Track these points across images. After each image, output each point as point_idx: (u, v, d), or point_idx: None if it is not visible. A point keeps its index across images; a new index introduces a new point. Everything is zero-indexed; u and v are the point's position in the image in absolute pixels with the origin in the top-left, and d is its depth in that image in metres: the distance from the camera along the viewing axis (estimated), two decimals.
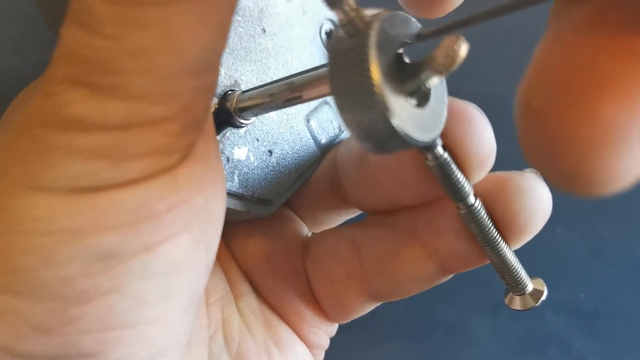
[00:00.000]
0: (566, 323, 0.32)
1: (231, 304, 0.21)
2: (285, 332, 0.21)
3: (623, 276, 0.33)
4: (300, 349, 0.21)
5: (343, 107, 0.12)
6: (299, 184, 0.22)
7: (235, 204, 0.19)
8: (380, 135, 0.12)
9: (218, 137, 0.18)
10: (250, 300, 0.21)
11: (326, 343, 0.22)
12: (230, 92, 0.18)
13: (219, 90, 0.18)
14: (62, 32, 0.11)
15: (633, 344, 0.31)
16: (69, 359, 0.13)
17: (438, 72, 0.12)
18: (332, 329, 0.22)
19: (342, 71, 0.12)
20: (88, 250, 0.12)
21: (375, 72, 0.11)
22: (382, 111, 0.11)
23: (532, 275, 0.17)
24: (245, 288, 0.22)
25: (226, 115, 0.18)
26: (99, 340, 0.13)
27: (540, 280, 0.17)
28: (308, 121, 0.21)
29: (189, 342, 0.16)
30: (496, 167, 0.16)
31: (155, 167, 0.12)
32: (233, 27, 0.19)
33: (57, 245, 0.12)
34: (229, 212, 0.19)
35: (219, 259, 0.22)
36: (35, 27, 0.30)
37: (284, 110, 0.20)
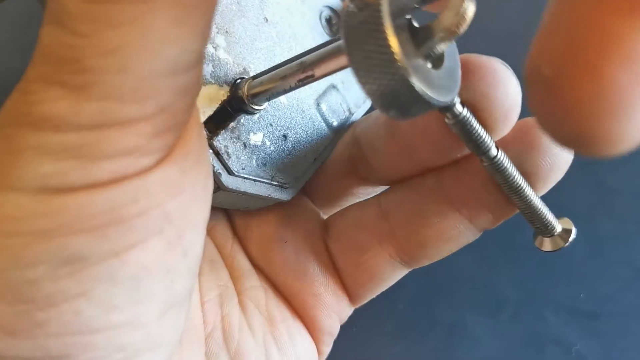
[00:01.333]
0: (566, 323, 0.32)
1: (232, 299, 0.21)
2: (286, 329, 0.21)
3: (623, 276, 0.33)
4: (301, 345, 0.21)
5: (365, 79, 0.12)
6: (316, 167, 0.22)
7: (257, 189, 0.19)
8: (404, 101, 0.12)
9: (233, 124, 0.18)
10: (255, 294, 0.21)
11: (336, 330, 0.22)
12: (240, 79, 0.18)
13: (229, 78, 0.18)
14: (40, 30, 0.11)
15: (633, 344, 0.31)
16: None
17: (449, 33, 0.12)
18: (346, 313, 0.22)
19: (359, 44, 0.12)
20: (56, 252, 0.12)
21: (394, 40, 0.11)
22: (405, 77, 0.11)
23: (559, 216, 0.18)
24: (251, 282, 0.21)
25: (239, 103, 0.18)
26: (67, 344, 0.12)
27: (568, 220, 0.18)
28: (318, 105, 0.22)
29: (177, 341, 0.16)
30: None
31: (126, 169, 0.12)
32: (236, 17, 0.19)
33: (24, 246, 0.11)
34: (249, 198, 0.19)
35: (223, 252, 0.22)
36: (35, 27, 0.30)
37: (293, 95, 0.21)
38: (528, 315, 0.31)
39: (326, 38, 0.23)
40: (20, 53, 0.30)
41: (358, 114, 0.23)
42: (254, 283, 0.22)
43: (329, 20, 0.23)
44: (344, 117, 0.23)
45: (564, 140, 0.09)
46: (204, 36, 0.11)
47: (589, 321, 0.32)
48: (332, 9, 0.23)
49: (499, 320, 0.31)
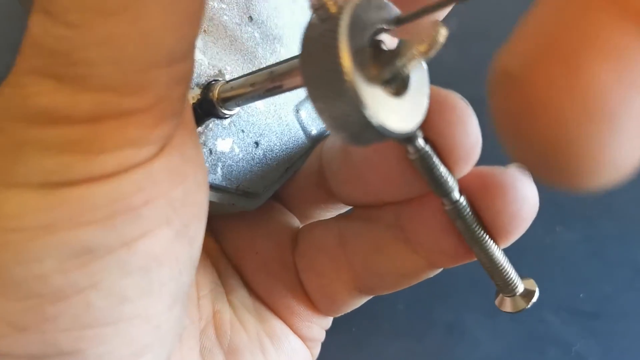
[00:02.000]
0: (566, 323, 0.32)
1: (222, 297, 0.21)
2: (278, 325, 0.21)
3: (623, 276, 0.33)
4: (294, 342, 0.21)
5: (315, 96, 0.11)
6: (288, 177, 0.21)
7: (219, 197, 0.19)
8: (354, 126, 0.11)
9: (200, 129, 0.18)
10: (241, 294, 0.21)
11: (321, 336, 0.22)
12: (213, 82, 0.18)
13: (202, 80, 0.18)
14: (29, 21, 0.11)
15: (633, 344, 0.31)
16: (48, 358, 0.12)
17: (414, 57, 0.11)
18: (326, 322, 0.22)
19: (313, 59, 0.11)
20: (63, 246, 0.11)
21: (345, 58, 0.10)
22: (353, 100, 0.11)
23: (523, 276, 0.17)
24: (235, 282, 0.21)
25: (209, 106, 0.17)
26: (77, 337, 0.12)
27: (532, 281, 0.17)
28: (298, 111, 0.21)
29: (179, 337, 0.16)
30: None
31: (129, 160, 0.12)
32: (217, 15, 0.18)
33: (30, 242, 0.11)
34: (213, 205, 0.18)
35: (208, 252, 0.22)
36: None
37: (272, 100, 0.20)
38: (528, 315, 0.31)
39: None
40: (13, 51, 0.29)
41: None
42: (239, 283, 0.21)
43: None
44: (324, 126, 0.22)
45: (530, 156, 0.08)
46: (197, 23, 0.11)
47: (589, 321, 0.32)
48: None
49: (499, 321, 0.31)
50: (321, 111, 0.11)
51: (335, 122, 0.11)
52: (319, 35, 0.11)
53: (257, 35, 0.19)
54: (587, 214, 0.33)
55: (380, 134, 0.11)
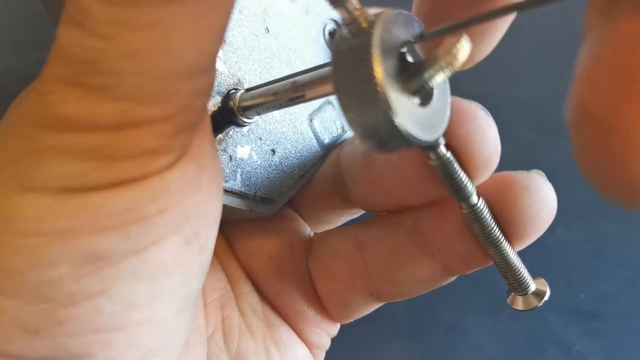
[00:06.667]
0: (566, 323, 0.32)
1: (231, 302, 0.21)
2: (285, 332, 0.21)
3: (623, 276, 0.33)
4: (300, 349, 0.21)
5: (346, 107, 0.12)
6: (302, 184, 0.22)
7: (238, 203, 0.19)
8: (383, 135, 0.12)
9: (221, 136, 0.18)
10: (251, 299, 0.21)
11: (327, 343, 0.23)
12: (233, 90, 0.18)
13: (222, 88, 0.18)
14: (58, 31, 0.11)
15: (633, 344, 0.31)
16: None
17: (440, 71, 0.12)
18: (334, 329, 0.22)
19: (345, 70, 0.12)
20: (77, 251, 0.12)
21: (379, 70, 0.11)
22: (385, 110, 0.11)
23: (534, 275, 0.17)
24: (246, 287, 0.22)
25: (229, 114, 0.18)
26: (87, 342, 0.13)
27: (543, 281, 0.17)
28: (311, 120, 0.21)
29: (186, 342, 0.16)
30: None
31: (146, 168, 0.12)
32: (237, 26, 0.19)
33: (46, 246, 0.12)
34: (231, 210, 0.19)
35: (220, 257, 0.22)
36: (35, 27, 0.30)
37: (287, 109, 0.20)
38: (528, 315, 0.31)
39: (327, 52, 0.22)
40: (19, 53, 0.30)
41: (351, 132, 0.23)
42: (249, 288, 0.22)
43: (332, 34, 0.23)
44: (336, 135, 0.22)
45: (614, 192, 0.08)
46: (221, 39, 0.12)
47: (589, 321, 0.32)
48: (336, 22, 0.23)
49: (499, 321, 0.31)
50: (352, 120, 0.12)
51: (365, 131, 0.12)
52: (350, 49, 0.12)
53: (273, 46, 0.20)
54: (587, 214, 0.33)
55: (408, 142, 0.12)
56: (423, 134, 0.12)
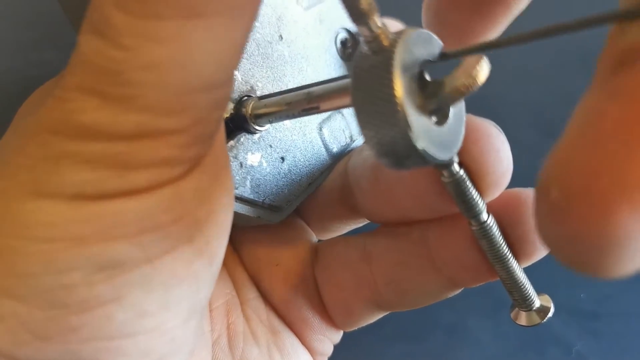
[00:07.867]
0: (566, 323, 0.32)
1: (237, 308, 0.21)
2: (289, 339, 0.21)
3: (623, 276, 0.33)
4: (303, 356, 0.21)
5: (365, 124, 0.12)
6: (310, 192, 0.22)
7: (246, 210, 0.19)
8: (401, 153, 0.12)
9: (232, 142, 0.18)
10: (256, 306, 0.21)
11: (330, 350, 0.23)
12: (246, 98, 0.18)
13: (235, 95, 0.18)
14: (79, 39, 0.11)
15: (633, 344, 0.31)
16: None
17: (459, 92, 0.12)
18: (337, 336, 0.22)
19: (366, 88, 0.12)
20: (91, 258, 0.12)
21: (399, 90, 0.11)
22: (404, 129, 0.11)
23: (539, 292, 0.17)
24: (251, 293, 0.22)
25: (241, 121, 0.18)
26: (97, 349, 0.13)
27: (547, 297, 0.17)
28: (320, 129, 0.21)
29: (194, 348, 0.16)
30: None
31: (161, 177, 0.12)
32: (251, 33, 0.19)
33: (60, 252, 0.12)
34: (239, 217, 0.19)
35: (226, 263, 0.22)
36: (35, 27, 0.30)
37: (297, 118, 0.20)
38: None
39: (338, 61, 0.22)
40: (19, 53, 0.30)
41: (359, 141, 0.23)
42: (254, 294, 0.22)
43: (344, 43, 0.23)
44: (344, 144, 0.22)
45: (564, 261, 0.09)
46: (240, 54, 0.12)
47: (589, 321, 0.32)
48: (349, 32, 0.23)
49: (499, 321, 0.31)
50: (369, 137, 0.12)
51: (382, 148, 0.12)
52: (371, 67, 0.12)
53: (286, 53, 0.20)
54: None
55: (424, 161, 0.12)
56: (439, 153, 0.12)
